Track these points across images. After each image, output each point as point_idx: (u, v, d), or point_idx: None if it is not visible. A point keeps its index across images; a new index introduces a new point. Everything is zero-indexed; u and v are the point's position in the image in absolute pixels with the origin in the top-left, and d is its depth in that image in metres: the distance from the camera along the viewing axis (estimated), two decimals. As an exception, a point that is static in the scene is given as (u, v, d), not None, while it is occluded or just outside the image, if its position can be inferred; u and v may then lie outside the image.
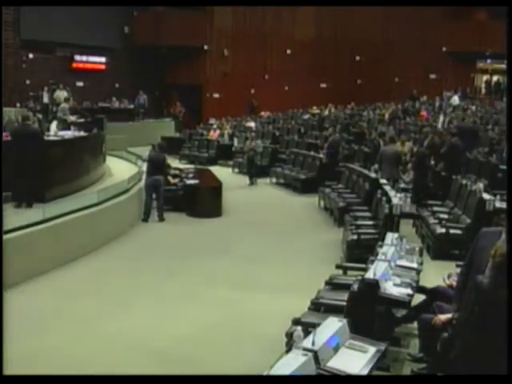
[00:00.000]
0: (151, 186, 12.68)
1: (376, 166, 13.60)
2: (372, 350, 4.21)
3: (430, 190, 12.45)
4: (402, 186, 13.08)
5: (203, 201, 13.51)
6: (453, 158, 12.64)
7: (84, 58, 26.32)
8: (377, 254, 6.55)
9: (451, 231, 9.59)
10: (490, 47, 27.53)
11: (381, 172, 12.79)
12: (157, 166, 12.87)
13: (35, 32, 22.88)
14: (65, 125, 14.98)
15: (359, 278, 5.54)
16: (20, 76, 23.21)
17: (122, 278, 8.91)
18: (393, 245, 6.77)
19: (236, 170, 19.68)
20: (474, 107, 24.78)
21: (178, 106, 28.57)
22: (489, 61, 30.41)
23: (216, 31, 29.07)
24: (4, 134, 11.19)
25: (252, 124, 24.63)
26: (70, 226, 9.65)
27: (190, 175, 14.98)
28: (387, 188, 11.24)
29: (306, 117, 25.98)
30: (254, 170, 17.83)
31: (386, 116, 23.43)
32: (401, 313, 5.85)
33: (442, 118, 21.51)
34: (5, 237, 7.96)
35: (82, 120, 16.40)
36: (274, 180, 17.98)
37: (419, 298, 6.04)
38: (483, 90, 31.97)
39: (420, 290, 6.03)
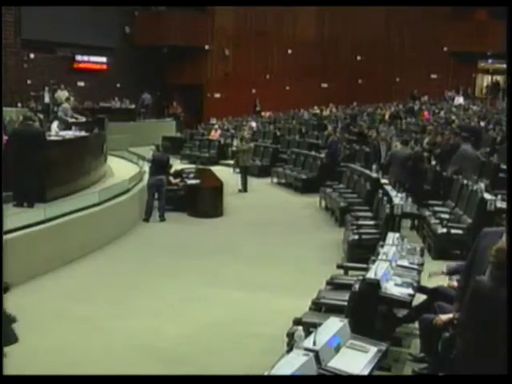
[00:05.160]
0: (154, 186, 12.69)
1: (374, 166, 13.57)
2: (373, 350, 4.21)
3: (426, 192, 12.37)
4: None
5: (204, 201, 13.51)
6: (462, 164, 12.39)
7: (85, 57, 26.30)
8: (378, 254, 6.55)
9: (452, 231, 9.58)
10: (491, 47, 27.51)
11: (388, 175, 12.70)
12: (160, 166, 12.89)
13: (36, 32, 22.85)
14: (66, 125, 14.96)
15: (360, 277, 5.54)
16: (21, 76, 23.19)
17: (122, 277, 8.90)
18: (394, 245, 6.77)
19: (237, 170, 19.66)
20: (475, 107, 24.77)
21: (175, 107, 28.60)
22: (490, 61, 30.39)
23: (217, 31, 29.07)
24: (4, 137, 11.17)
25: (253, 124, 24.61)
26: (71, 226, 9.65)
27: (191, 175, 14.98)
28: (388, 188, 11.24)
29: (307, 116, 26.00)
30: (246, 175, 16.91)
31: (387, 116, 23.43)
32: (402, 313, 5.85)
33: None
34: (5, 237, 7.95)
35: (83, 120, 16.38)
36: (275, 180, 17.98)
37: (420, 298, 6.04)
38: (484, 90, 31.94)
39: (421, 289, 6.03)
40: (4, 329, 4.55)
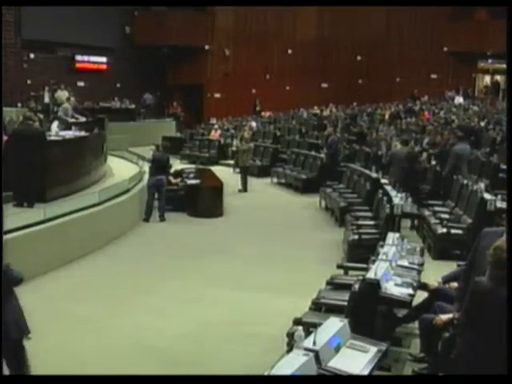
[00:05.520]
0: (154, 186, 12.69)
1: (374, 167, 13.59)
2: (373, 350, 4.21)
3: (423, 192, 12.39)
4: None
5: (204, 201, 13.51)
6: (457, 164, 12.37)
7: (85, 57, 26.31)
8: (378, 254, 6.55)
9: (452, 231, 9.59)
10: (491, 47, 27.50)
11: (388, 175, 12.71)
12: (160, 166, 12.89)
13: (36, 32, 22.85)
14: (66, 125, 14.95)
15: (360, 277, 5.54)
16: (21, 76, 23.17)
17: (122, 277, 8.90)
18: (394, 245, 6.77)
19: (237, 170, 19.68)
20: (475, 107, 24.76)
21: (175, 107, 28.63)
22: (490, 61, 30.38)
23: (217, 31, 29.06)
24: (4, 137, 11.16)
25: (253, 124, 24.58)
26: (71, 226, 9.65)
27: (191, 175, 14.97)
28: (388, 188, 11.24)
29: (305, 115, 26.03)
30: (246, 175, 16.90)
31: (387, 116, 23.43)
32: (402, 313, 5.86)
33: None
34: (5, 237, 7.94)
35: (84, 120, 16.38)
36: (275, 180, 17.98)
37: (420, 297, 6.04)
38: (484, 90, 31.90)
39: (422, 286, 6.04)
40: (20, 320, 4.97)
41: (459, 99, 27.34)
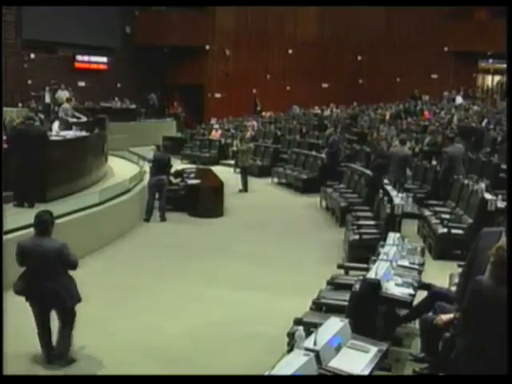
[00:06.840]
0: (155, 186, 12.69)
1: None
2: (374, 349, 4.21)
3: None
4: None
5: (205, 201, 13.49)
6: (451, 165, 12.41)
7: (86, 57, 26.36)
8: (378, 254, 6.55)
9: (453, 231, 9.59)
10: (491, 47, 27.45)
11: (388, 174, 12.75)
12: (161, 166, 12.88)
13: (37, 32, 22.90)
14: (67, 125, 14.95)
15: (361, 277, 5.54)
16: (22, 76, 23.22)
17: (123, 277, 8.90)
18: (394, 245, 6.77)
19: (238, 170, 19.67)
20: (475, 107, 24.74)
21: (175, 107, 28.63)
22: (490, 60, 30.35)
23: (218, 31, 29.07)
24: (4, 139, 11.15)
25: (254, 123, 24.53)
26: (71, 226, 9.62)
27: (192, 175, 14.97)
28: (389, 188, 11.24)
29: (299, 112, 26.07)
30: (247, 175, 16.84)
31: (387, 116, 23.40)
32: (402, 313, 5.86)
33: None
34: (5, 237, 7.95)
35: (85, 119, 16.38)
36: (275, 180, 17.97)
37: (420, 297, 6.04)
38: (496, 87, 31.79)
39: (424, 286, 6.04)
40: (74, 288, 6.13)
41: (459, 99, 27.32)
